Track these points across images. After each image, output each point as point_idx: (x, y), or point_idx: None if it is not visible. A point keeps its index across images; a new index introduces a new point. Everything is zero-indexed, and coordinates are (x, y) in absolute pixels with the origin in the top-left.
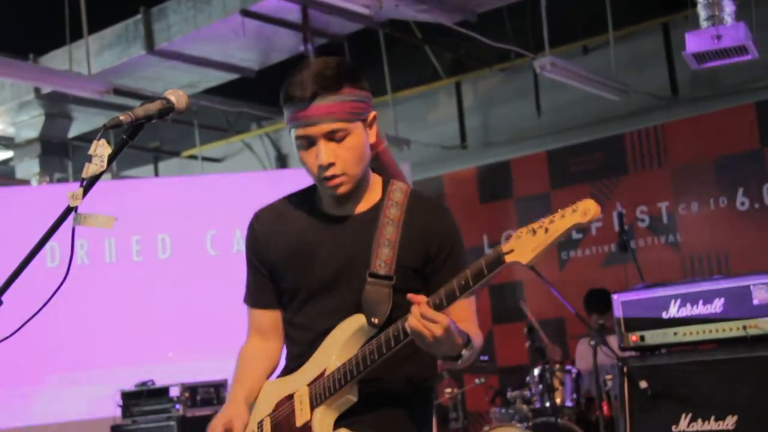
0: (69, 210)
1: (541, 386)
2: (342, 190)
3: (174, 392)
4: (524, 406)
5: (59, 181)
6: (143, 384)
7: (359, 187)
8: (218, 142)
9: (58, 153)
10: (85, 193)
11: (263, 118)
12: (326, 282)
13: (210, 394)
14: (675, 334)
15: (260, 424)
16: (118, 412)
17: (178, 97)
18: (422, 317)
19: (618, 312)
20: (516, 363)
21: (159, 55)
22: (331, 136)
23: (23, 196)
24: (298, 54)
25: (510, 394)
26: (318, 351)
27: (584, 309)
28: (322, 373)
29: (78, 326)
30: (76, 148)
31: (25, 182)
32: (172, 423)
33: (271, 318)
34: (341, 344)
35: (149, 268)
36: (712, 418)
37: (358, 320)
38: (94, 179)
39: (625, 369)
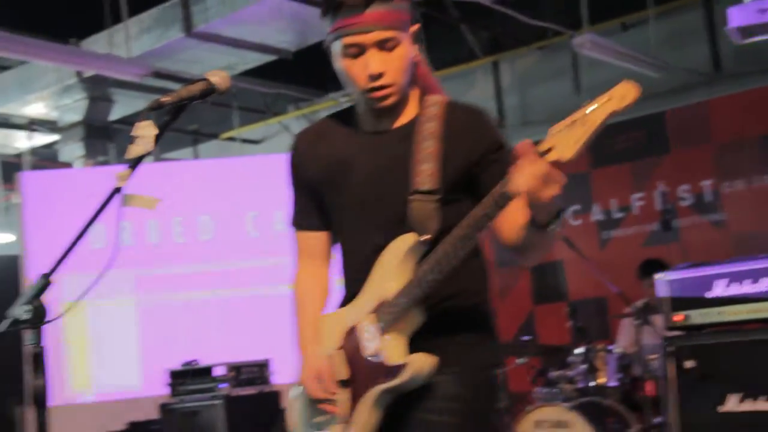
0: (116, 191)
1: (584, 366)
2: (389, 101)
3: (219, 372)
4: (567, 386)
5: (101, 163)
6: (189, 363)
7: (400, 101)
8: (256, 124)
9: (101, 136)
10: (131, 174)
11: (301, 100)
12: (365, 199)
13: (254, 374)
14: (720, 313)
15: (332, 359)
16: (167, 390)
17: (219, 78)
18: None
19: (663, 291)
20: (558, 343)
21: (197, 38)
22: (382, 45)
23: (67, 179)
24: None
25: (552, 374)
26: (373, 276)
27: (638, 275)
28: (383, 300)
29: (121, 306)
30: (117, 131)
31: (67, 165)
32: (218, 402)
33: (318, 240)
34: (395, 266)
35: (191, 249)
36: (761, 398)
37: (407, 240)
38: (140, 160)
39: (670, 349)
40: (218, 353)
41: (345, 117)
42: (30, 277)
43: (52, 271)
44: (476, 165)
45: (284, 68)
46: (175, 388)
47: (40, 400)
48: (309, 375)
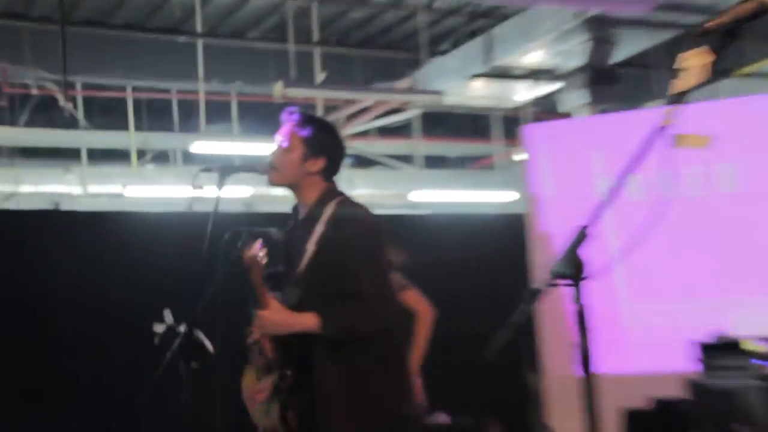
0: (660, 131)
1: None
2: None
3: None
4: None
5: (604, 111)
6: (721, 336)
7: None
8: None
9: (605, 80)
10: (675, 111)
11: None
12: None
13: None
14: None
15: None
16: (692, 365)
17: None
18: None
19: None
20: None
21: None
22: None
23: (573, 129)
24: None
25: None
26: None
27: None
28: None
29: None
30: (619, 75)
31: (566, 115)
32: (762, 383)
33: None
34: None
35: (709, 203)
36: None
37: None
38: (684, 95)
39: None
40: (741, 324)
41: None
42: (537, 234)
43: (590, 223)
44: None
45: None
46: (708, 363)
47: (584, 362)
48: None
